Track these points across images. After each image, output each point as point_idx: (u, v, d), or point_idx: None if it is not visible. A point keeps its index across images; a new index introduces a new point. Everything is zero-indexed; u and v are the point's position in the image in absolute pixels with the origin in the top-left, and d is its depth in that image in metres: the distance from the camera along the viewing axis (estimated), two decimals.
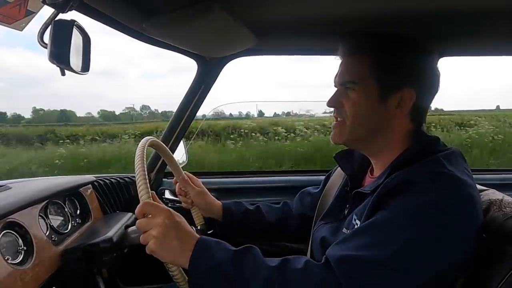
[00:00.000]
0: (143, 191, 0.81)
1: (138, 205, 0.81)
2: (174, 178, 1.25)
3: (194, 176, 1.28)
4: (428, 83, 0.94)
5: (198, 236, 0.82)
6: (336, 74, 0.99)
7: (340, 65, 0.99)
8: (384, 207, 0.80)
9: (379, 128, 0.93)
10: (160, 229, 0.78)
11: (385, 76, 0.91)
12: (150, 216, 0.80)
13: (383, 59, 0.92)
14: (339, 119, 0.97)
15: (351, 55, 0.96)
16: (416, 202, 0.76)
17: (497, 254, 0.79)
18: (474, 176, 0.87)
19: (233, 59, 1.49)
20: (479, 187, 0.99)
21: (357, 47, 0.95)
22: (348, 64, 0.97)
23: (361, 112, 0.93)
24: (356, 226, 0.87)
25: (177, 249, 0.79)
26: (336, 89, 0.99)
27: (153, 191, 0.85)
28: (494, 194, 0.93)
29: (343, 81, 0.95)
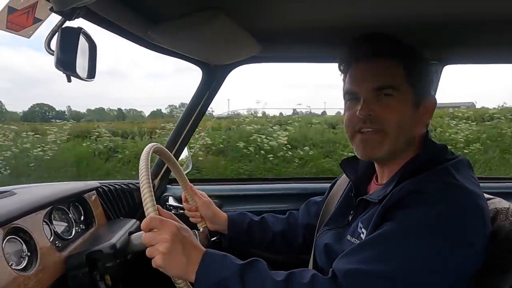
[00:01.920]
0: (149, 204, 0.80)
1: (144, 220, 0.80)
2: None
3: (198, 190, 1.27)
4: (436, 89, 0.96)
5: (204, 250, 0.82)
6: (361, 80, 0.90)
7: (365, 69, 0.91)
8: (392, 219, 0.79)
9: (412, 136, 0.91)
10: (167, 244, 0.77)
11: (418, 82, 0.90)
12: (156, 230, 0.79)
13: (415, 66, 0.90)
14: (372, 129, 0.88)
15: (383, 56, 0.89)
16: (423, 214, 0.75)
17: (504, 263, 0.78)
18: (480, 184, 0.86)
19: (237, 67, 1.50)
20: (485, 196, 0.98)
21: (387, 50, 0.90)
22: (382, 68, 0.89)
23: (403, 120, 0.87)
24: (361, 235, 0.87)
25: (184, 265, 0.78)
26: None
27: (158, 205, 0.84)
28: (500, 203, 0.92)
29: (380, 85, 0.87)
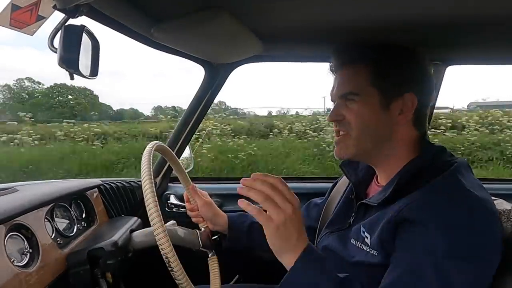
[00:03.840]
0: (154, 214, 0.81)
1: (273, 176, 0.76)
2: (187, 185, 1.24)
3: (200, 190, 1.27)
4: (427, 87, 0.94)
5: (307, 240, 0.79)
6: (333, 88, 0.98)
7: (336, 78, 0.98)
8: (406, 243, 0.77)
9: (384, 137, 0.92)
10: (292, 212, 0.73)
11: (386, 83, 0.90)
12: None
13: (382, 67, 0.91)
14: (341, 132, 0.94)
15: (349, 64, 0.95)
16: (442, 243, 0.73)
17: (504, 265, 0.77)
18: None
19: (239, 66, 1.50)
20: None
21: (356, 57, 0.94)
22: (346, 76, 0.95)
23: (366, 123, 0.91)
24: (366, 239, 0.86)
25: (293, 243, 0.76)
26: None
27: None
28: (502, 204, 0.92)
29: (343, 93, 0.94)
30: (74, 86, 26.59)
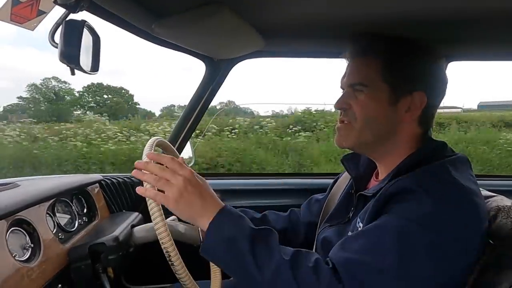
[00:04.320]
0: (154, 209, 0.81)
1: (166, 157, 0.82)
2: None
3: None
4: (438, 87, 0.93)
5: (223, 204, 0.83)
6: (344, 75, 0.97)
7: (348, 66, 0.97)
8: (386, 212, 0.80)
9: (387, 132, 0.92)
10: (184, 183, 0.78)
11: (396, 79, 0.89)
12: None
13: (395, 62, 0.90)
14: (345, 121, 0.94)
15: (361, 55, 0.94)
16: (416, 209, 0.76)
17: (505, 261, 0.78)
18: (482, 182, 0.86)
19: (241, 61, 1.49)
20: (487, 193, 0.98)
21: (368, 48, 0.93)
22: (358, 65, 0.94)
23: (371, 116, 0.90)
24: (359, 229, 0.87)
25: (199, 208, 0.79)
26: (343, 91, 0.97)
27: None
28: (502, 201, 0.92)
29: (352, 83, 0.93)
30: (110, 86, 26.44)
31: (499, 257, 0.79)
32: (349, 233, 0.92)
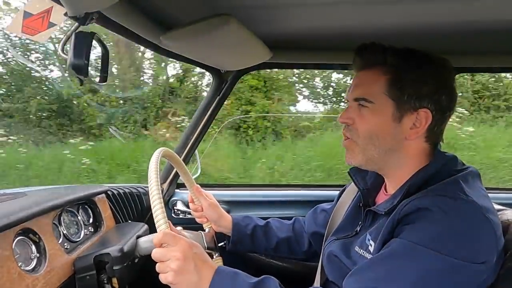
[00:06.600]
0: (161, 221, 0.80)
1: (156, 235, 0.81)
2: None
3: (205, 191, 1.27)
4: (445, 104, 0.88)
5: (215, 266, 0.82)
6: (349, 89, 0.94)
7: (354, 79, 0.94)
8: (399, 235, 0.78)
9: (392, 148, 0.89)
10: (179, 262, 0.78)
11: (402, 96, 0.86)
12: (166, 245, 0.80)
13: (402, 77, 0.87)
14: (348, 137, 0.93)
15: (366, 68, 0.92)
16: (432, 231, 0.74)
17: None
18: (491, 195, 0.84)
19: (247, 72, 1.50)
20: (496, 206, 0.96)
21: (374, 61, 0.91)
22: (364, 79, 0.92)
23: (373, 132, 0.88)
24: (370, 247, 0.86)
25: (195, 282, 0.79)
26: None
27: (169, 221, 0.84)
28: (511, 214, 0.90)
29: (357, 97, 0.90)
30: None
31: (510, 270, 0.78)
32: (357, 248, 0.91)
